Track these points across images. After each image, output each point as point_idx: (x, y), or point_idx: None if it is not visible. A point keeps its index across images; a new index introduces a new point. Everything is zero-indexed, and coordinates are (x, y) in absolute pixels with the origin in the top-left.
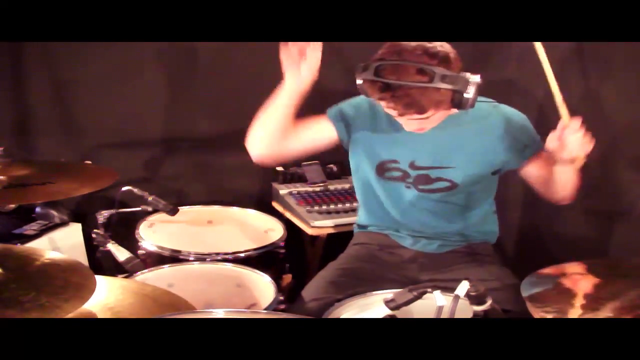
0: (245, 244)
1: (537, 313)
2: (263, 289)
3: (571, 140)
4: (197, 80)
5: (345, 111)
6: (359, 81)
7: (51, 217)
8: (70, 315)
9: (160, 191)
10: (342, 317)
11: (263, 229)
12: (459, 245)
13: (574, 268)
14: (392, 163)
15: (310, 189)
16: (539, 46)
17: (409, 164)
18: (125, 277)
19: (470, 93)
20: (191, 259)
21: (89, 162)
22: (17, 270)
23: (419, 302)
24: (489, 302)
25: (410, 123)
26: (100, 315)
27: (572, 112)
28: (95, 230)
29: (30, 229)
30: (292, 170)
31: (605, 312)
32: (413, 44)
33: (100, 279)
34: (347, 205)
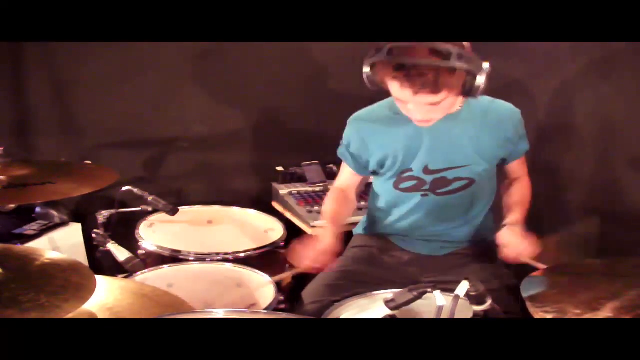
0: (245, 244)
1: (537, 313)
2: (263, 289)
3: (517, 246)
4: (197, 81)
5: (346, 145)
6: (366, 68)
7: (51, 217)
8: (70, 315)
9: (160, 191)
10: (342, 317)
11: (263, 229)
12: (460, 247)
13: (574, 268)
14: (406, 172)
15: (310, 189)
16: None
17: (423, 169)
18: (125, 277)
19: (482, 78)
20: (191, 259)
21: (89, 162)
22: (17, 270)
23: (419, 302)
24: (489, 302)
25: (419, 109)
26: (99, 316)
27: (573, 113)
28: (95, 230)
29: (30, 229)
30: (292, 170)
31: (605, 312)
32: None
33: (99, 279)
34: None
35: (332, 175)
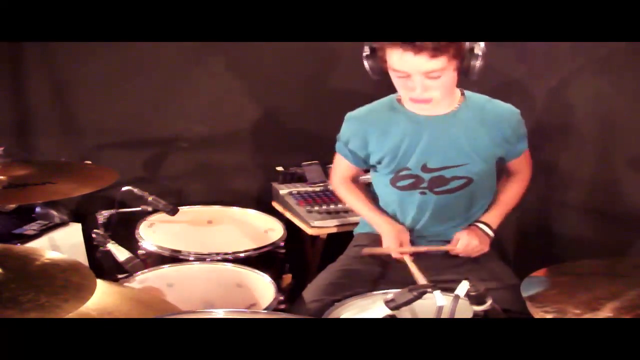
0: (245, 244)
1: (537, 313)
2: (263, 289)
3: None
4: (196, 80)
5: (344, 142)
6: (366, 51)
7: (51, 217)
8: (70, 315)
9: (160, 191)
10: (342, 317)
11: (263, 229)
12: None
13: (574, 268)
14: (404, 171)
15: (310, 189)
16: None
17: (421, 167)
18: (125, 277)
19: (479, 56)
20: (191, 259)
21: (89, 162)
22: (17, 270)
23: (418, 302)
24: (489, 302)
25: (420, 82)
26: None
27: (573, 112)
28: (95, 230)
29: (30, 229)
30: (292, 170)
31: (605, 312)
32: None
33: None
34: (347, 205)
35: None
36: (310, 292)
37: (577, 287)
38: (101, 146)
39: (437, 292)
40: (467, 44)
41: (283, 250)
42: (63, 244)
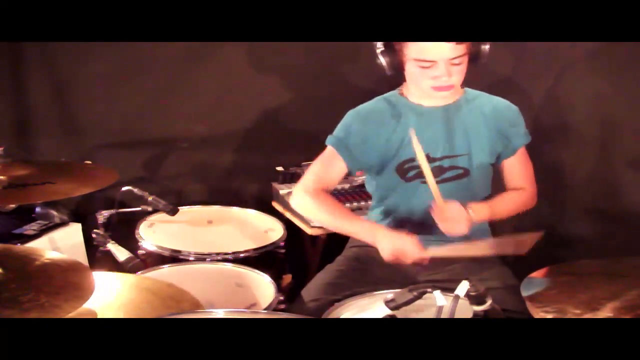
0: (245, 244)
1: (537, 313)
2: (263, 289)
3: (448, 221)
4: (196, 80)
5: (343, 137)
6: (380, 47)
7: (51, 217)
8: (70, 315)
9: (160, 191)
10: (342, 317)
11: (263, 229)
12: (457, 244)
13: (574, 268)
14: (410, 162)
15: None
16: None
17: (425, 157)
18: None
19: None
20: (191, 259)
21: (89, 162)
22: (17, 270)
23: (418, 301)
24: (489, 302)
25: (446, 67)
26: (102, 312)
27: (573, 112)
28: (95, 230)
29: (30, 229)
30: (292, 170)
31: (605, 312)
32: None
33: (101, 275)
34: (348, 205)
35: None
36: (308, 292)
37: (577, 287)
38: (101, 146)
39: (437, 292)
40: None
41: (283, 250)
42: (63, 244)
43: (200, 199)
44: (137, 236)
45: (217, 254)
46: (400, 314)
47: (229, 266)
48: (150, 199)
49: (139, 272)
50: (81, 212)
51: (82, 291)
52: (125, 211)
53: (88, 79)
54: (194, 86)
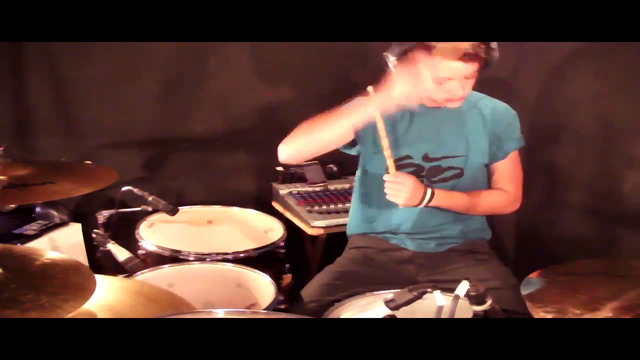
0: (245, 244)
1: (537, 313)
2: (263, 289)
3: (390, 187)
4: (197, 80)
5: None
6: (393, 59)
7: (51, 217)
8: (70, 315)
9: (160, 191)
10: (342, 317)
11: (263, 229)
12: (456, 244)
13: (574, 268)
14: (406, 159)
15: (310, 189)
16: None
17: (422, 156)
18: (125, 277)
19: (495, 49)
20: (191, 259)
21: (89, 162)
22: (17, 270)
23: (418, 302)
24: (489, 302)
25: (463, 83)
26: (100, 315)
27: (573, 111)
28: (95, 230)
29: (30, 229)
30: (292, 170)
31: (605, 312)
32: None
33: (100, 279)
34: (347, 205)
35: (332, 175)
36: (307, 293)
37: (577, 287)
38: (101, 146)
39: (437, 292)
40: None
41: (283, 250)
42: (63, 244)
43: (200, 199)
44: (137, 236)
45: (217, 254)
46: (400, 313)
47: (229, 266)
48: (150, 199)
49: (139, 272)
50: (81, 212)
51: (82, 291)
52: (125, 211)
53: (88, 79)
54: (194, 86)
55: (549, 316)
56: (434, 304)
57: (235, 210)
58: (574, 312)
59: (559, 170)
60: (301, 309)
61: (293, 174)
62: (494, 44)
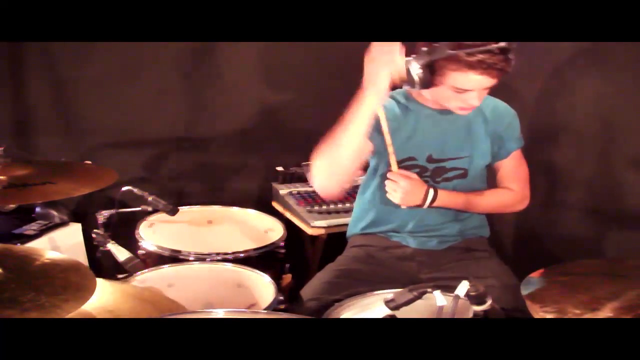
0: (245, 244)
1: (537, 313)
2: (263, 289)
3: (389, 185)
4: (197, 80)
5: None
6: (418, 68)
7: (51, 217)
8: (70, 316)
9: (160, 191)
10: (342, 317)
11: (263, 229)
12: (456, 241)
13: (574, 268)
14: (410, 160)
15: (310, 189)
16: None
17: (427, 158)
18: (125, 277)
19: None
20: (191, 259)
21: (89, 162)
22: (17, 270)
23: (419, 302)
24: (489, 302)
25: (480, 94)
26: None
27: (573, 112)
28: (95, 230)
29: (30, 229)
30: (292, 170)
31: (605, 312)
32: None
33: (98, 282)
34: (347, 205)
35: None
36: (308, 291)
37: (577, 287)
38: (101, 146)
39: (437, 292)
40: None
41: (283, 250)
42: (63, 244)
43: (200, 199)
44: (137, 236)
45: (217, 254)
46: (400, 313)
47: (229, 266)
48: (150, 199)
49: (139, 272)
50: (81, 212)
51: (82, 291)
52: (125, 211)
53: (88, 78)
54: (194, 86)
55: (549, 316)
56: (433, 304)
57: (235, 210)
58: (574, 312)
59: (559, 171)
60: (302, 307)
61: (293, 174)
62: (512, 55)
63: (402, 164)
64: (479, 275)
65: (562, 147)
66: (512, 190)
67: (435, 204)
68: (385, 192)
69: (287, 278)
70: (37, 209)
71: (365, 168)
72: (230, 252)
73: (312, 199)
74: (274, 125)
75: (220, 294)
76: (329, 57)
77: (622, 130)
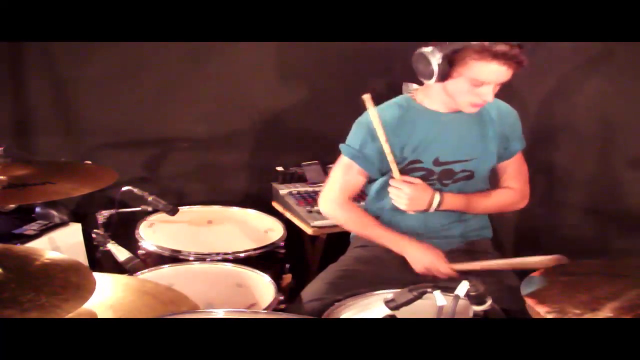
0: (245, 244)
1: (537, 313)
2: (263, 289)
3: (393, 192)
4: (197, 81)
5: (359, 149)
6: (438, 59)
7: (51, 217)
8: (70, 315)
9: (160, 191)
10: (342, 317)
11: (263, 229)
12: (460, 243)
13: (574, 268)
14: (415, 164)
15: (310, 189)
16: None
17: (433, 161)
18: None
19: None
20: (191, 259)
21: (89, 162)
22: (17, 270)
23: (418, 302)
24: (489, 302)
25: (494, 89)
26: (101, 313)
27: (573, 112)
28: (95, 230)
29: (30, 229)
30: (292, 170)
31: (605, 312)
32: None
33: (101, 277)
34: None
35: None
36: (311, 291)
37: (577, 287)
38: (101, 146)
39: (437, 292)
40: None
41: (283, 250)
42: (63, 244)
43: (200, 199)
44: (137, 236)
45: (217, 254)
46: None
47: (229, 266)
48: (150, 199)
49: (139, 272)
50: (81, 212)
51: (83, 291)
52: (125, 211)
53: (88, 78)
54: (194, 86)
55: (549, 316)
56: (434, 304)
57: (235, 210)
58: (574, 312)
59: (559, 170)
60: (304, 307)
61: (293, 174)
62: (525, 59)
63: (407, 167)
64: (480, 277)
65: (562, 147)
66: (513, 190)
67: (442, 208)
68: (387, 195)
69: (287, 278)
70: (37, 209)
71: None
72: (230, 252)
73: (312, 199)
74: (274, 125)
75: (220, 294)
76: (329, 57)
77: (622, 130)
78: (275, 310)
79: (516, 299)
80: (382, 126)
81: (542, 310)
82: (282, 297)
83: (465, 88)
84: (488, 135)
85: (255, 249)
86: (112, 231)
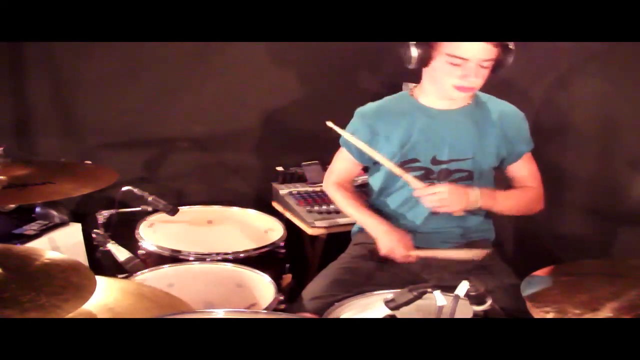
0: (245, 244)
1: (537, 313)
2: (263, 289)
3: (429, 199)
4: (197, 80)
5: (351, 133)
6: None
7: (51, 217)
8: (70, 315)
9: (160, 191)
10: (342, 317)
11: (263, 229)
12: (460, 243)
13: (574, 268)
14: (413, 162)
15: (310, 189)
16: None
17: (431, 160)
18: (125, 277)
19: (512, 51)
20: (191, 259)
21: (89, 162)
22: (17, 270)
23: (418, 301)
24: (489, 302)
25: (476, 70)
26: (99, 316)
27: (573, 112)
28: (95, 230)
29: (30, 229)
30: (292, 170)
31: (605, 312)
32: None
33: (99, 280)
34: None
35: None
36: (312, 290)
37: (577, 287)
38: (101, 146)
39: (437, 292)
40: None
41: (283, 250)
42: (63, 244)
43: (200, 199)
44: (137, 236)
45: (217, 254)
46: (400, 314)
47: (229, 266)
48: (150, 199)
49: (139, 272)
50: (81, 212)
51: (82, 291)
52: (125, 211)
53: (88, 78)
54: (194, 86)
55: (549, 316)
56: (434, 303)
57: (235, 210)
58: (574, 312)
59: (559, 170)
60: (304, 305)
61: (293, 174)
62: (511, 44)
63: (405, 166)
64: (480, 277)
65: (562, 147)
66: (532, 188)
67: (481, 204)
68: (391, 193)
69: (287, 278)
70: (37, 209)
71: (366, 169)
72: (230, 252)
73: (312, 199)
74: (274, 125)
75: (220, 294)
76: (329, 57)
77: (622, 130)
78: (275, 310)
79: (516, 299)
80: (383, 117)
81: (542, 311)
82: (282, 297)
83: (446, 68)
84: (486, 136)
85: (255, 249)
86: (112, 231)
